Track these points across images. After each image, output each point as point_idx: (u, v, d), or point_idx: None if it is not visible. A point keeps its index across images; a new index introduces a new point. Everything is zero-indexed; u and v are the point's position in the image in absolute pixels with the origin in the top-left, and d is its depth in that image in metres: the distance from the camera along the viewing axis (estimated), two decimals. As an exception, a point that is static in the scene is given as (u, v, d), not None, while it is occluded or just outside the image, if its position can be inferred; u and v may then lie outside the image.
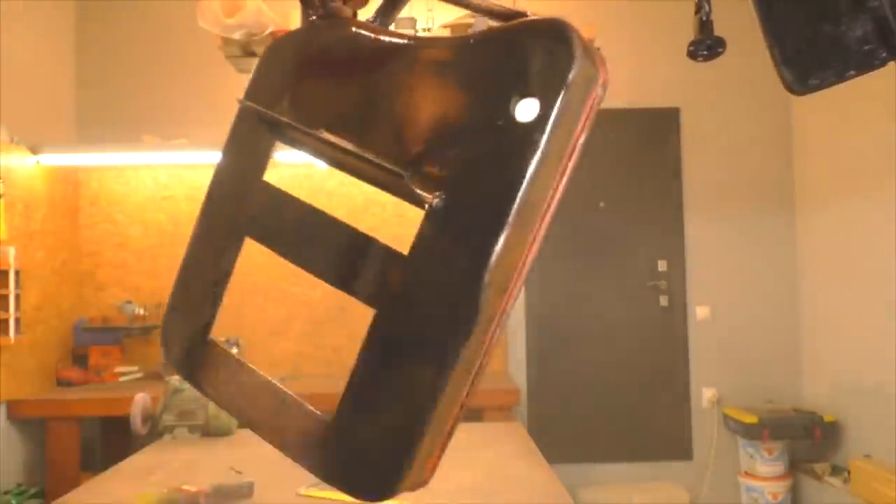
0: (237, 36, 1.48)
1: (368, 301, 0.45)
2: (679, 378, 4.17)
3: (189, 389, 2.28)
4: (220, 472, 1.73)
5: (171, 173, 3.99)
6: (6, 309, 3.04)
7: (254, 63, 2.14)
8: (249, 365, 0.51)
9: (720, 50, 0.57)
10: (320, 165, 3.24)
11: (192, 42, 4.04)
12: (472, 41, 0.46)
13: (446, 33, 2.48)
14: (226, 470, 1.75)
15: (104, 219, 3.99)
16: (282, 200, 0.51)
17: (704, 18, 0.56)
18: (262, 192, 0.52)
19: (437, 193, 0.43)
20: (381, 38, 0.49)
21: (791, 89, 0.56)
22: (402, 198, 0.46)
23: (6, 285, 3.04)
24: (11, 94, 3.26)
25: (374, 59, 0.49)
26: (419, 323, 0.43)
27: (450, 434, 0.46)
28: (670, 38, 4.07)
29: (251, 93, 0.53)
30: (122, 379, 3.67)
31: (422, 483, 0.46)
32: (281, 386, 0.49)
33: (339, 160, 0.49)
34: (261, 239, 0.51)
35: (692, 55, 0.58)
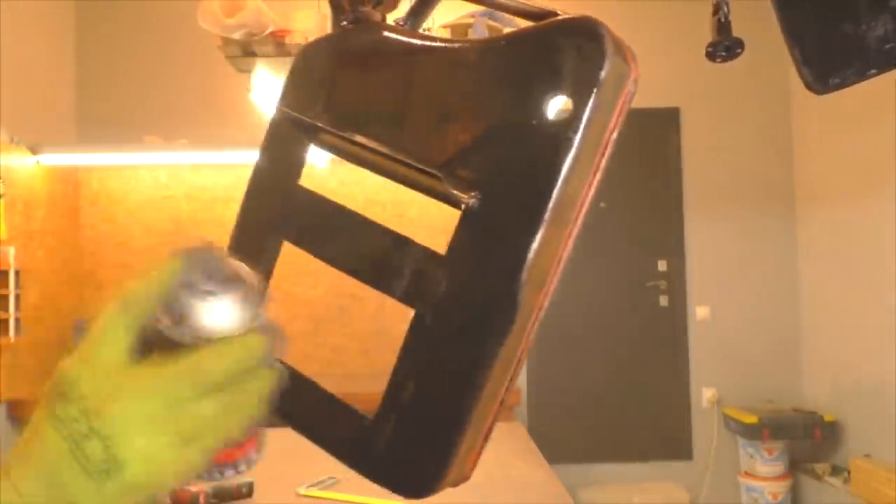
0: (237, 36, 1.48)
1: (406, 301, 0.46)
2: (679, 378, 4.18)
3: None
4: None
5: (171, 173, 3.99)
6: (6, 309, 3.04)
7: (254, 63, 2.16)
8: (289, 365, 0.52)
9: (739, 51, 0.57)
10: (321, 164, 3.25)
11: (192, 42, 4.04)
12: (503, 42, 0.46)
13: (446, 33, 2.49)
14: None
15: (104, 219, 3.99)
16: (318, 203, 0.52)
17: (723, 19, 0.56)
18: (299, 194, 0.53)
19: (473, 194, 0.44)
20: (412, 41, 0.50)
21: (812, 88, 0.57)
22: (437, 199, 0.47)
23: (6, 285, 3.04)
24: (11, 94, 3.27)
25: (405, 62, 0.50)
26: (458, 322, 0.44)
27: (490, 430, 0.47)
28: (670, 38, 4.07)
29: (285, 98, 0.55)
30: (122, 379, 3.67)
31: (464, 478, 0.47)
32: (320, 385, 0.50)
33: (374, 163, 0.50)
34: (297, 241, 0.52)
35: (710, 56, 0.58)
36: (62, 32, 4.01)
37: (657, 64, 4.06)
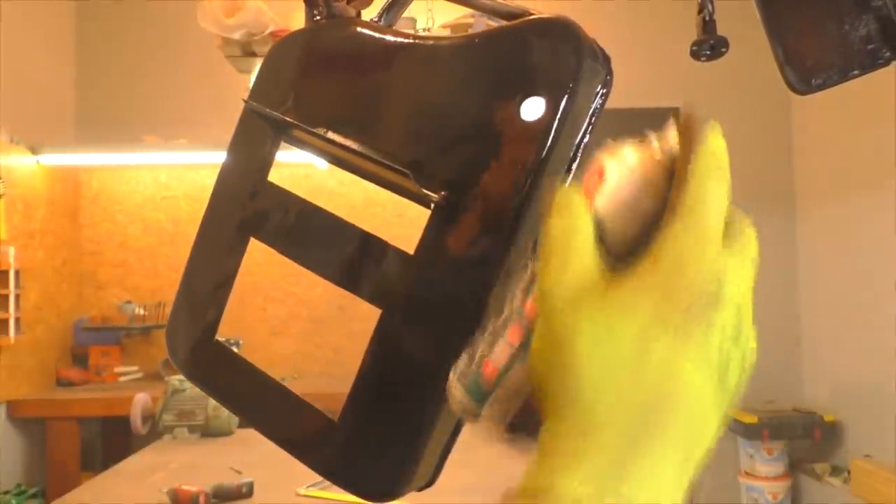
0: (237, 36, 1.47)
1: (374, 301, 0.45)
2: (679, 378, 4.17)
3: (189, 389, 2.28)
4: (220, 471, 1.73)
5: (171, 173, 3.99)
6: (6, 309, 3.04)
7: (254, 63, 2.15)
8: (254, 365, 0.51)
9: (723, 50, 0.57)
10: (321, 165, 3.24)
11: (193, 42, 4.04)
12: (476, 40, 0.46)
13: (446, 33, 2.48)
14: (225, 470, 1.75)
15: (104, 218, 3.99)
16: (286, 200, 0.51)
17: (707, 18, 0.55)
18: (267, 192, 0.52)
19: (443, 193, 0.43)
20: (386, 37, 0.49)
21: (794, 89, 0.56)
22: (407, 197, 0.46)
23: (6, 285, 3.04)
24: (11, 94, 3.27)
25: (378, 59, 0.49)
26: (425, 322, 0.44)
27: (456, 434, 0.46)
28: (670, 37, 4.07)
29: (255, 93, 0.54)
30: (121, 379, 3.67)
31: (429, 483, 0.46)
32: (286, 386, 0.49)
33: (344, 160, 0.50)
34: (265, 239, 0.51)
35: (695, 55, 0.58)
36: (62, 32, 4.01)
37: (657, 64, 4.06)
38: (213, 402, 2.24)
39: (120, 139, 3.79)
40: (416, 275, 0.44)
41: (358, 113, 0.49)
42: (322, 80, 0.52)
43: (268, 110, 0.51)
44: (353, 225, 0.48)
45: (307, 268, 0.49)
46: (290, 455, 0.47)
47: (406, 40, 0.49)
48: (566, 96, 0.41)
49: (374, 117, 0.48)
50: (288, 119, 0.50)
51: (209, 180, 3.57)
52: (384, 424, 0.44)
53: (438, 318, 0.43)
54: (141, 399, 2.20)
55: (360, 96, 0.49)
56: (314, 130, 0.49)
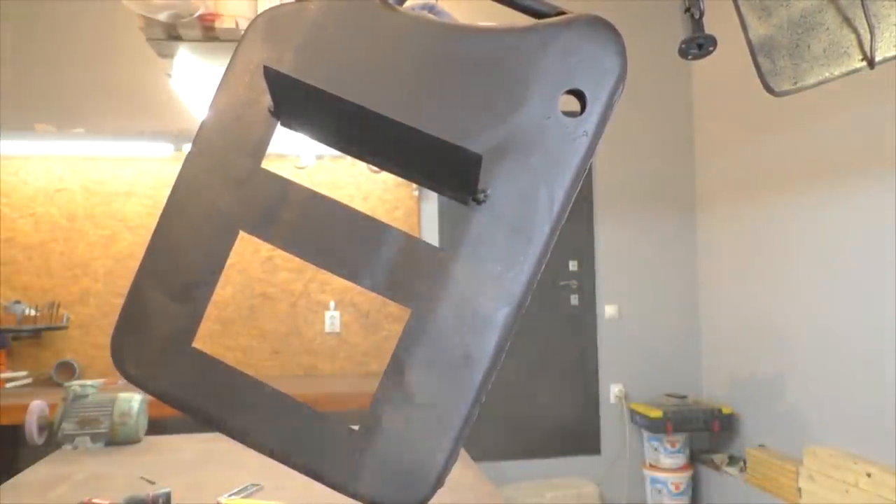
0: (163, 17, 1.38)
1: (392, 295, 0.42)
2: (589, 375, 4.29)
3: (92, 395, 2.13)
4: (130, 482, 1.62)
5: (66, 165, 3.74)
6: None
7: (177, 48, 2.03)
8: (249, 374, 0.46)
9: (711, 49, 0.57)
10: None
11: (90, 26, 3.80)
12: (518, 33, 0.44)
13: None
14: (136, 480, 1.64)
15: (-11, 212, 3.68)
16: (286, 189, 0.46)
17: (696, 16, 0.56)
18: (261, 179, 0.46)
19: (482, 189, 0.41)
20: (422, 20, 0.46)
21: (773, 92, 0.58)
22: (441, 192, 0.43)
23: None
24: None
25: (411, 39, 0.46)
26: (464, 316, 0.41)
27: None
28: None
29: (254, 53, 0.47)
30: (8, 385, 3.40)
31: (440, 484, 0.44)
32: (296, 398, 0.45)
33: (361, 146, 0.45)
34: (259, 232, 0.46)
35: (682, 53, 0.59)
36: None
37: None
38: (118, 408, 2.10)
39: (8, 127, 3.51)
40: (456, 271, 0.41)
41: (392, 98, 0.45)
42: (346, 52, 0.47)
43: (302, 79, 0.44)
44: (376, 219, 0.44)
45: (311, 262, 0.45)
46: (303, 473, 0.43)
47: (448, 24, 0.46)
48: (607, 95, 0.41)
49: (407, 104, 0.44)
50: (312, 83, 0.44)
51: (108, 172, 3.36)
52: (423, 429, 0.41)
53: (480, 311, 0.41)
54: (37, 406, 2.03)
55: (393, 79, 0.45)
56: (345, 98, 0.42)
